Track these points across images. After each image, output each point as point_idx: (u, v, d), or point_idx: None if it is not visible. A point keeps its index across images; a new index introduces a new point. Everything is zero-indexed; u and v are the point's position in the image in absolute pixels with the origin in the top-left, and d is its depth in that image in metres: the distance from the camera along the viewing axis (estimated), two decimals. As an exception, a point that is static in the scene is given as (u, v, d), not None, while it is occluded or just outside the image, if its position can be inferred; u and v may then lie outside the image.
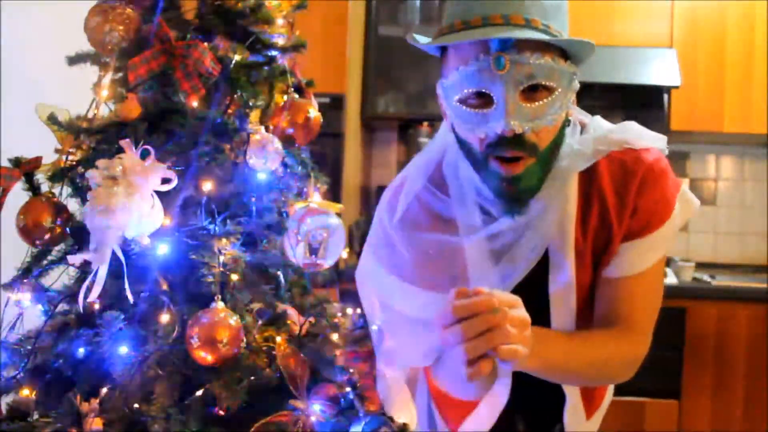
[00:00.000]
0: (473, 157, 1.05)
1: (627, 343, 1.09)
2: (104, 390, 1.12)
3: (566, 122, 1.06)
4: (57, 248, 1.24)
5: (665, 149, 1.14)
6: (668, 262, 3.11)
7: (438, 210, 1.14)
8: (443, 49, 1.06)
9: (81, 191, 1.24)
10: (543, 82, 0.98)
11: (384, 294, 1.18)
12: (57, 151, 1.27)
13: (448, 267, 1.11)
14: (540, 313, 1.04)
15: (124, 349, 1.11)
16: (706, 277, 2.92)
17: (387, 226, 1.17)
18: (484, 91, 0.98)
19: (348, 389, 1.28)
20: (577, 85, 1.02)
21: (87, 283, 1.09)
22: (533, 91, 0.98)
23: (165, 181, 1.12)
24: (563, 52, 1.01)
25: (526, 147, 1.00)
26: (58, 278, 1.26)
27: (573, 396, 1.18)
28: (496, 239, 1.08)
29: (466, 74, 0.98)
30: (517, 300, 0.91)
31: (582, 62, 1.05)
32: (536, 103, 0.98)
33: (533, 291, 1.08)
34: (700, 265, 3.14)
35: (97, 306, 1.15)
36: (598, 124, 1.14)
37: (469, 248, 1.10)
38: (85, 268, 1.19)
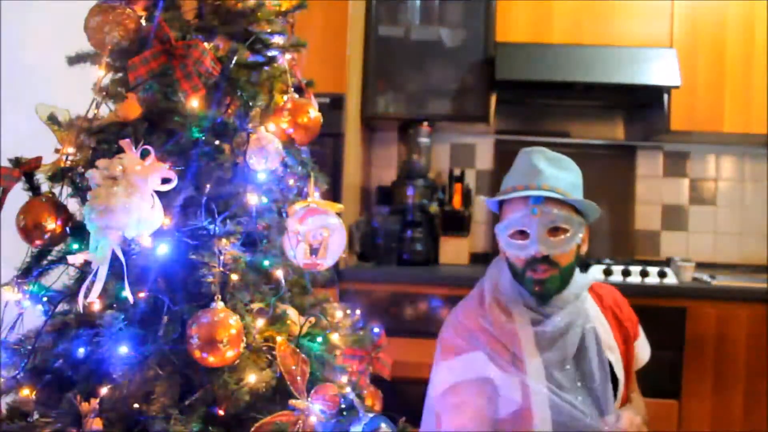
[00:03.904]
0: (516, 273, 1.58)
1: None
2: (104, 390, 1.12)
3: (577, 254, 1.58)
4: (57, 248, 1.24)
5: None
6: (668, 261, 3.10)
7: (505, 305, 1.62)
8: (500, 206, 1.63)
9: (81, 191, 1.24)
10: (561, 225, 1.53)
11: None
12: (57, 151, 1.27)
13: (508, 345, 1.57)
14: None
15: (124, 349, 1.11)
16: (706, 277, 2.92)
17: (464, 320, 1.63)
18: (524, 229, 1.54)
19: (348, 389, 1.28)
20: (584, 230, 1.59)
21: (87, 283, 1.09)
22: (555, 230, 1.54)
23: (165, 181, 1.12)
24: (577, 209, 1.57)
25: (551, 263, 1.54)
26: (58, 278, 1.26)
27: None
28: (544, 334, 1.55)
29: (514, 219, 1.54)
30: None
31: (590, 219, 1.61)
32: (557, 238, 1.53)
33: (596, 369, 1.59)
34: (700, 265, 3.14)
35: (97, 306, 1.15)
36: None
37: (522, 334, 1.56)
38: (85, 268, 1.19)
